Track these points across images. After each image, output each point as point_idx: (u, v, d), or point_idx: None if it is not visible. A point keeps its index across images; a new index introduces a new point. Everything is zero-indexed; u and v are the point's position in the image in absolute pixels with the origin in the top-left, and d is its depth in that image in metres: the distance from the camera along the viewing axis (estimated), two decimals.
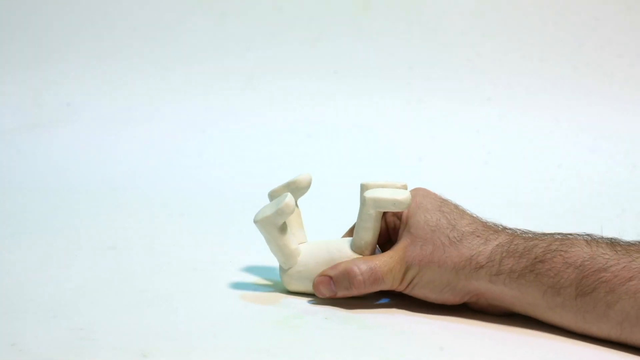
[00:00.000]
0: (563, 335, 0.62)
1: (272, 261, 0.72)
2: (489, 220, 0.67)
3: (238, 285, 0.70)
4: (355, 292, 0.65)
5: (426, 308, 0.66)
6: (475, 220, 0.66)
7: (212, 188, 1.05)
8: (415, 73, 1.21)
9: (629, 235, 0.69)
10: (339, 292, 0.66)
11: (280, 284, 0.69)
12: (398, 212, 0.67)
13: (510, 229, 0.66)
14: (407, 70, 1.23)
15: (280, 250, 0.67)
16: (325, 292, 0.66)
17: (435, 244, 0.65)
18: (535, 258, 0.62)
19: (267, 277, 0.71)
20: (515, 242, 0.64)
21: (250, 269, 0.74)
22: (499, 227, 0.66)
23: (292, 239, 0.67)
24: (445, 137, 1.19)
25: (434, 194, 0.68)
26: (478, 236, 0.65)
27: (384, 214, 0.68)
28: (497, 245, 0.64)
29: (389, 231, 0.69)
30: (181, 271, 0.74)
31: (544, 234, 0.65)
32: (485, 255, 0.63)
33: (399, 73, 1.22)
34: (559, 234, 0.64)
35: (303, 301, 0.67)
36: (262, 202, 1.00)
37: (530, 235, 0.65)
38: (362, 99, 1.27)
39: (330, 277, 0.66)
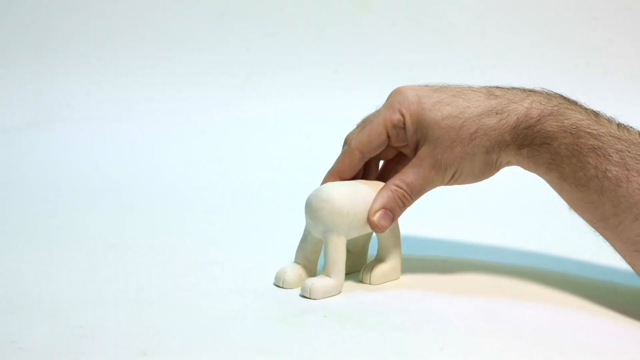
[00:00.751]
0: (563, 335, 0.62)
1: (272, 261, 0.72)
2: (488, 87, 0.69)
3: (238, 284, 0.70)
4: (407, 206, 0.69)
5: (426, 308, 0.66)
6: (479, 94, 0.69)
7: (211, 188, 1.05)
8: (415, 73, 1.21)
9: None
10: (396, 214, 0.69)
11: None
12: (400, 125, 0.69)
13: (506, 91, 0.69)
14: (408, 70, 1.23)
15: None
16: (386, 223, 0.69)
17: (463, 140, 0.67)
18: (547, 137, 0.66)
19: (267, 276, 0.71)
20: (528, 115, 0.67)
21: (250, 268, 0.74)
22: (503, 93, 0.69)
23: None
24: None
25: (421, 86, 0.70)
26: (496, 113, 0.67)
27: (388, 136, 0.69)
28: (516, 119, 0.67)
29: (390, 141, 0.70)
30: (181, 270, 0.74)
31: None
32: (508, 130, 0.67)
33: (399, 73, 1.22)
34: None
35: (303, 299, 0.67)
36: (262, 202, 1.01)
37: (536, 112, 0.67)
38: (362, 99, 1.26)
39: (383, 208, 0.68)
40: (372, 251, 0.74)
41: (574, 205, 0.67)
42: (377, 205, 0.69)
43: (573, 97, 0.69)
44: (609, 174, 0.64)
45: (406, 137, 0.70)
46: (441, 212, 0.96)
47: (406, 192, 0.69)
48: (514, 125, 0.67)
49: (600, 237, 0.67)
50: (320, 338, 0.60)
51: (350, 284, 0.70)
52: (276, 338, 0.60)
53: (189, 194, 1.02)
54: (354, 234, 0.69)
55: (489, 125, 0.67)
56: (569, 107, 0.67)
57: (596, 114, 0.67)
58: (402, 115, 0.69)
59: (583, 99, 0.69)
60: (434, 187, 0.70)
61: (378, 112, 0.71)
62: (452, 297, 0.69)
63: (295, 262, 0.70)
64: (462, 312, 0.66)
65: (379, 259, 0.72)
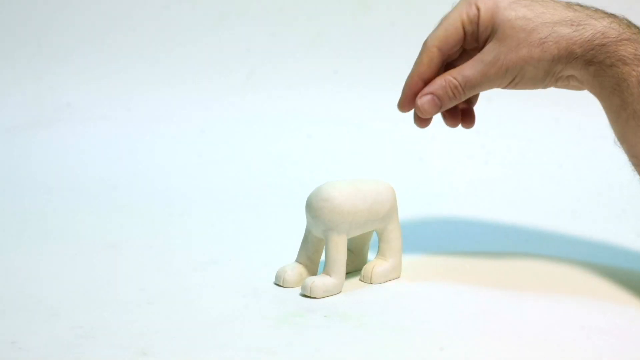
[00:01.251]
0: (564, 334, 0.62)
1: (272, 260, 0.72)
2: (569, 1, 0.68)
3: (238, 284, 0.70)
4: (458, 100, 0.67)
5: (426, 308, 0.66)
6: (558, 4, 0.67)
7: (212, 188, 1.05)
8: None
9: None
10: (444, 104, 0.67)
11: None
12: (475, 20, 0.67)
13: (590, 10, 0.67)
14: (408, 70, 1.23)
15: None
16: (431, 108, 0.67)
17: (531, 43, 0.65)
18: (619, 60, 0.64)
19: (268, 276, 0.71)
20: (605, 33, 0.65)
21: (250, 268, 0.74)
22: (584, 9, 0.67)
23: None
24: (445, 137, 1.19)
25: None
26: (571, 24, 0.65)
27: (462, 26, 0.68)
28: (592, 34, 0.65)
29: (466, 37, 0.69)
30: (181, 270, 0.74)
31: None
32: (580, 43, 0.65)
33: (399, 73, 1.22)
34: None
35: (303, 299, 0.66)
36: (262, 201, 1.01)
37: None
38: (362, 99, 1.27)
39: (432, 93, 0.67)
40: (372, 250, 0.74)
41: (623, 136, 0.66)
42: (428, 89, 0.68)
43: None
44: None
45: (478, 34, 0.68)
46: (442, 212, 0.96)
47: (460, 85, 0.67)
48: (588, 39, 0.65)
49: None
50: (321, 337, 0.60)
51: (351, 283, 0.70)
52: (276, 338, 0.60)
53: (189, 194, 1.02)
54: (355, 233, 0.69)
55: (561, 34, 0.65)
56: None
57: None
58: (478, 9, 0.67)
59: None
60: (491, 87, 0.68)
61: (455, 7, 0.69)
62: (452, 297, 0.69)
63: (296, 261, 0.70)
64: (462, 312, 0.66)
65: (380, 258, 0.72)
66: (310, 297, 0.66)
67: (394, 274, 0.72)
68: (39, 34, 1.33)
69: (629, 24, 0.67)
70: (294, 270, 0.69)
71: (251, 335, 0.60)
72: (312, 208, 0.68)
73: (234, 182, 1.08)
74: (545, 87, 0.69)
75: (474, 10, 0.68)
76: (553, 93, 0.75)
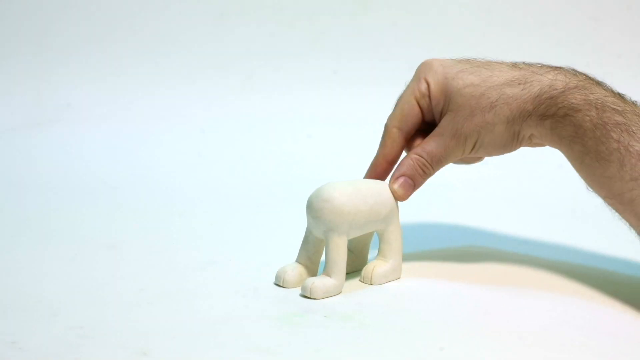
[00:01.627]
0: (564, 334, 0.62)
1: (272, 261, 0.72)
2: (514, 62, 0.69)
3: (238, 284, 0.70)
4: (428, 176, 0.69)
5: (426, 308, 0.66)
6: (503, 65, 0.68)
7: (212, 188, 1.05)
8: None
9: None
10: (417, 183, 0.69)
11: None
12: (426, 93, 0.69)
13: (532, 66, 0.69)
14: (407, 70, 1.23)
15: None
16: (406, 190, 0.69)
17: (483, 108, 0.67)
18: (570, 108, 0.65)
19: (268, 276, 0.71)
20: (552, 86, 0.66)
21: (250, 268, 0.74)
22: (528, 67, 0.69)
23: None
24: None
25: (446, 59, 0.70)
26: (519, 83, 0.67)
27: (418, 102, 0.69)
28: (539, 89, 0.66)
29: (423, 112, 0.70)
30: (181, 271, 0.73)
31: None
32: (530, 100, 0.66)
33: (399, 73, 1.22)
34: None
35: (303, 299, 0.66)
36: (262, 201, 1.01)
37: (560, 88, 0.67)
38: (362, 99, 1.27)
39: (403, 175, 0.68)
40: (373, 251, 0.74)
41: (592, 180, 0.67)
42: (398, 172, 0.69)
43: None
44: (631, 149, 0.64)
45: (432, 108, 0.70)
46: (442, 213, 0.96)
47: (427, 162, 0.69)
48: (536, 94, 0.66)
49: (614, 216, 0.68)
50: (321, 338, 0.60)
51: (351, 283, 0.70)
52: (276, 338, 0.60)
53: (189, 194, 1.02)
54: (355, 234, 0.69)
55: (510, 95, 0.67)
56: (594, 84, 0.67)
57: (621, 94, 0.67)
58: (428, 83, 0.69)
59: None
60: (456, 157, 0.70)
61: (407, 85, 0.71)
62: (452, 297, 0.69)
63: (296, 261, 0.70)
64: (462, 312, 0.66)
65: (380, 259, 0.72)
66: (310, 298, 0.66)
67: (394, 275, 0.72)
68: (39, 34, 1.33)
69: (575, 73, 0.68)
70: (294, 271, 0.69)
71: (251, 335, 0.60)
72: (313, 209, 0.68)
73: (234, 182, 1.08)
74: (512, 150, 0.70)
75: (424, 85, 0.69)
76: None
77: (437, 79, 0.69)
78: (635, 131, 0.64)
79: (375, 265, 0.71)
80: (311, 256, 0.70)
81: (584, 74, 0.68)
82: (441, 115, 0.69)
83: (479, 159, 0.74)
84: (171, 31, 1.34)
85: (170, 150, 1.19)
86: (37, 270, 0.72)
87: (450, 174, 1.09)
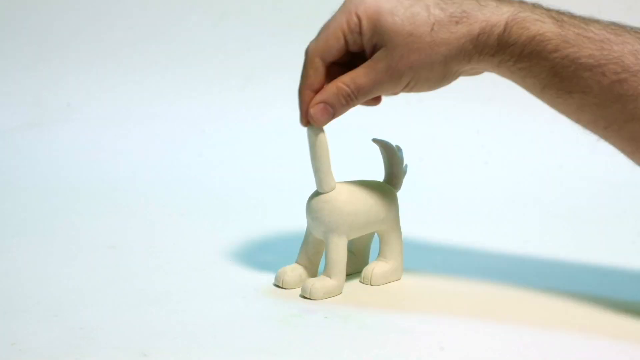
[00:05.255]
0: (565, 334, 0.62)
1: (272, 261, 0.72)
2: None
3: (238, 285, 0.70)
4: (350, 107, 0.66)
5: (426, 308, 0.66)
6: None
7: (212, 188, 1.05)
8: None
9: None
10: (337, 112, 0.66)
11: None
12: (357, 30, 0.65)
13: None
14: None
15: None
16: (323, 117, 0.67)
17: (420, 46, 0.64)
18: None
19: (268, 276, 0.71)
20: (493, 23, 0.63)
21: (251, 269, 0.74)
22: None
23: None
24: (445, 137, 1.19)
25: None
26: (457, 22, 0.64)
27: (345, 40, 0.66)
28: (479, 28, 0.63)
29: (348, 45, 0.66)
30: (181, 271, 0.73)
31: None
32: (472, 39, 0.63)
33: None
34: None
35: (303, 300, 0.67)
36: (262, 202, 1.01)
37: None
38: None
39: (324, 102, 0.66)
40: (373, 252, 0.74)
41: (574, 112, 0.68)
42: (319, 98, 0.67)
43: None
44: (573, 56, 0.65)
45: (362, 43, 0.66)
46: (442, 213, 0.96)
47: (352, 92, 0.66)
48: (477, 33, 0.64)
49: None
50: (321, 339, 0.60)
51: (351, 284, 0.70)
52: (276, 339, 0.60)
53: (189, 195, 1.02)
54: (356, 235, 0.69)
55: (450, 32, 0.64)
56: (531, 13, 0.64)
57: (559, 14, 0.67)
58: (359, 18, 0.65)
59: None
60: (385, 92, 0.67)
61: (334, 16, 0.67)
62: (452, 298, 0.69)
63: (296, 262, 0.70)
64: (462, 312, 0.66)
65: (381, 260, 0.72)
66: (310, 299, 0.66)
67: (395, 276, 0.72)
68: (39, 33, 1.33)
69: (510, 2, 0.65)
70: (294, 272, 0.69)
71: (251, 335, 0.60)
72: (313, 209, 0.68)
73: (234, 182, 1.08)
74: (444, 85, 0.67)
75: (354, 20, 0.65)
76: None
77: (369, 14, 0.65)
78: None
79: (376, 266, 0.71)
80: (311, 257, 0.70)
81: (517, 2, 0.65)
82: (373, 49, 0.66)
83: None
84: (171, 32, 1.34)
85: (170, 150, 1.19)
86: (37, 270, 0.72)
87: (450, 174, 1.10)
